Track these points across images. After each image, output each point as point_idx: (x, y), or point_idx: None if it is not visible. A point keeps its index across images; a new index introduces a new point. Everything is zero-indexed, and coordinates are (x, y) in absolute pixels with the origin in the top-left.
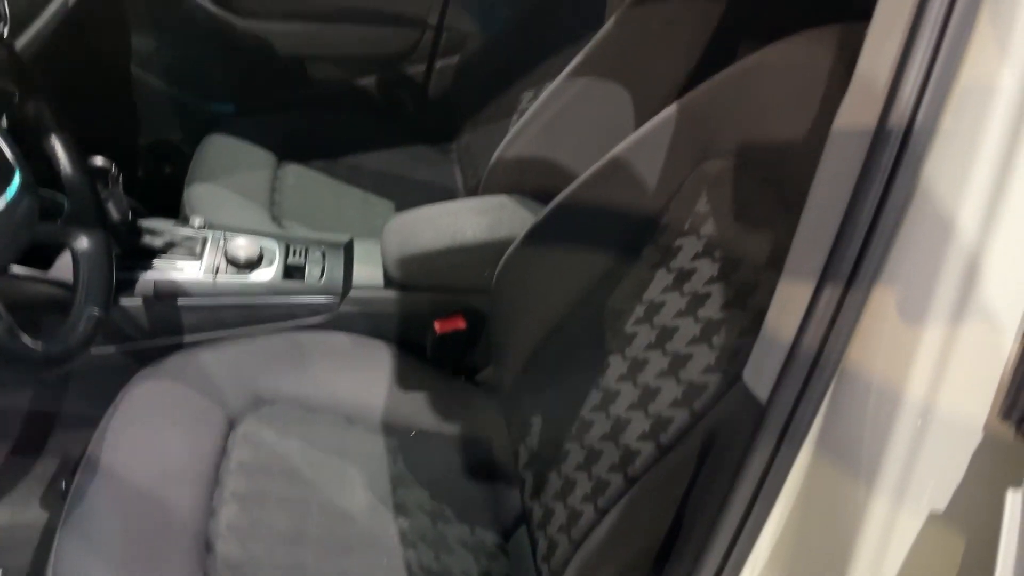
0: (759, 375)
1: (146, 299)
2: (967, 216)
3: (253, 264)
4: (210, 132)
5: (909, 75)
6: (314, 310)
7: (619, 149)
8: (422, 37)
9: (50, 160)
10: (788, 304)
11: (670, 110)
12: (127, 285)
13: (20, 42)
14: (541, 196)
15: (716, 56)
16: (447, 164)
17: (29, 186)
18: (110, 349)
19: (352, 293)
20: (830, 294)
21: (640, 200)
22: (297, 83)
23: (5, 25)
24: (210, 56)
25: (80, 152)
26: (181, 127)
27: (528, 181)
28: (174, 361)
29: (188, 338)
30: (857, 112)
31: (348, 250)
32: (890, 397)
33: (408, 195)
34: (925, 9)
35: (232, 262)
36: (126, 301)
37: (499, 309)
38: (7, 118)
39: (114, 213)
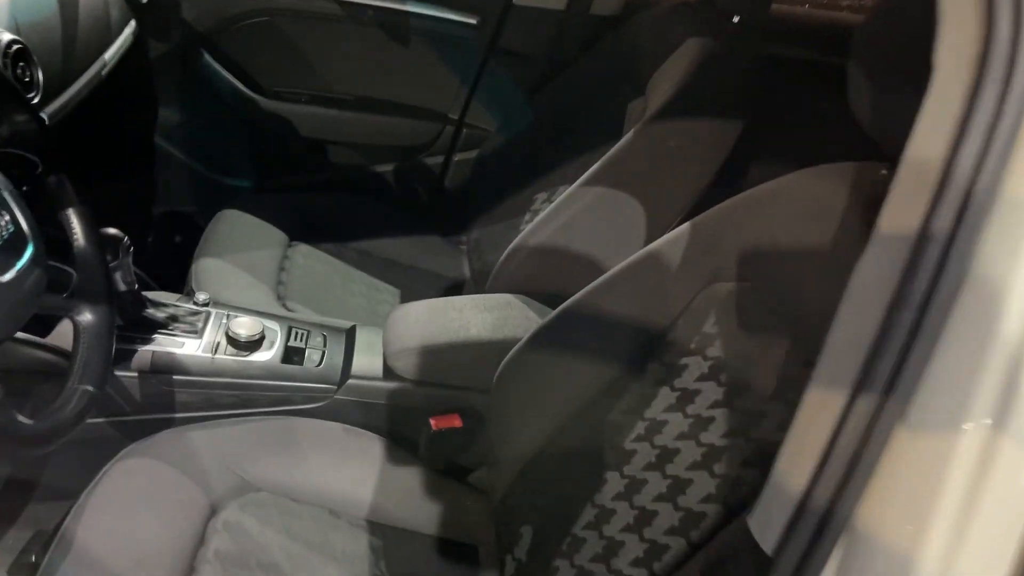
0: (766, 525)
1: (142, 372)
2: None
3: (253, 345)
4: (225, 206)
5: (958, 175)
6: (310, 397)
7: (629, 261)
8: (442, 131)
9: (64, 232)
10: (799, 453)
11: (683, 228)
12: (124, 356)
13: (51, 108)
14: (548, 299)
15: (730, 178)
16: (457, 256)
17: (40, 258)
18: (99, 420)
19: (350, 382)
20: (848, 439)
21: (647, 314)
22: (315, 165)
23: (37, 93)
24: (233, 133)
25: (94, 226)
26: (197, 199)
27: (536, 283)
28: (161, 439)
29: (180, 416)
30: (900, 215)
31: (350, 337)
32: (903, 564)
33: (416, 284)
34: (974, 111)
35: (232, 342)
36: (121, 373)
37: (497, 411)
38: (27, 186)
39: (120, 283)
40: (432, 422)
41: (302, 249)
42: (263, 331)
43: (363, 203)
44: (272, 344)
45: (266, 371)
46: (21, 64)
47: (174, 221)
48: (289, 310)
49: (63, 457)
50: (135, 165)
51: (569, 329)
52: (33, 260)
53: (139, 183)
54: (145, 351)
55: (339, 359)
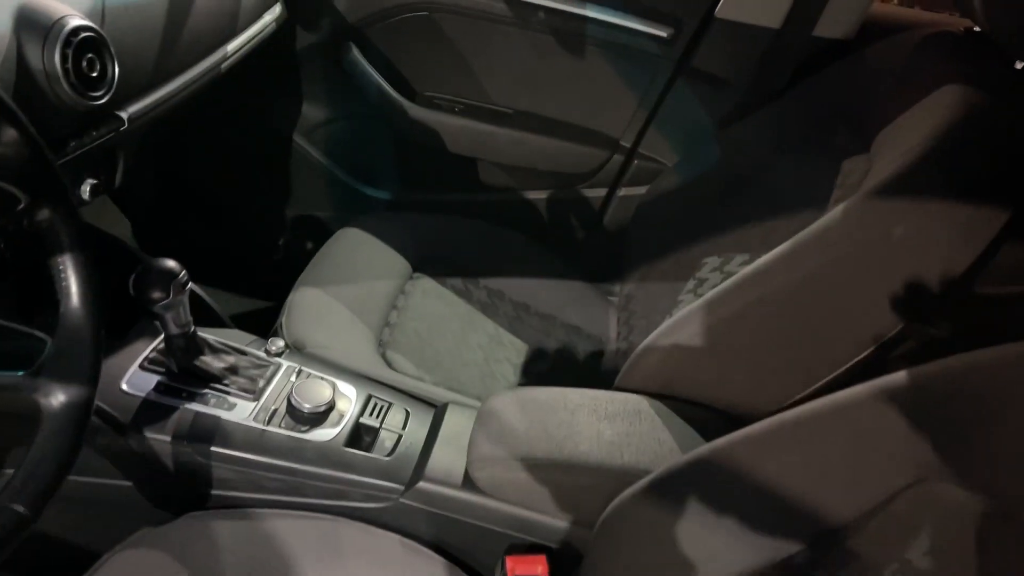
0: None
1: (176, 437)
2: None
3: (317, 418)
4: (359, 216)
5: None
6: (370, 495)
7: (807, 411)
8: (609, 160)
9: (50, 282)
10: None
11: (895, 379)
12: (161, 414)
13: (136, 107)
14: (692, 411)
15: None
16: (603, 309)
17: None
18: (125, 484)
19: (420, 484)
20: None
21: (821, 497)
22: (460, 184)
23: (108, 92)
24: (376, 138)
25: (92, 280)
26: (333, 205)
27: (679, 386)
28: (179, 527)
29: (213, 492)
30: None
31: (437, 420)
32: None
33: (547, 338)
34: None
35: (293, 411)
36: (153, 435)
37: (595, 566)
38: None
39: (172, 326)
40: (509, 563)
41: (424, 284)
42: (332, 400)
43: (505, 234)
44: (340, 418)
45: (324, 456)
46: (89, 56)
47: (308, 226)
48: (387, 361)
49: (81, 515)
50: (270, 163)
51: (705, 485)
52: None
53: (273, 183)
54: (186, 411)
55: (416, 449)
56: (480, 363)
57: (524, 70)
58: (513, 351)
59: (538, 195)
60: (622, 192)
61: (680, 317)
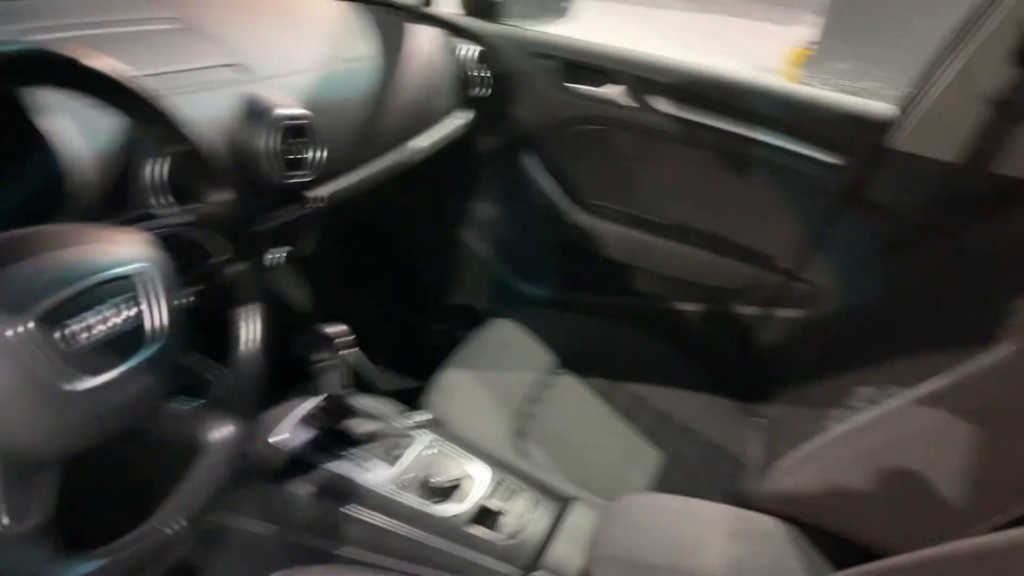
0: None
1: (314, 491)
2: None
3: (446, 492)
4: (514, 311)
5: None
6: (485, 574)
7: (956, 550)
8: (766, 279)
9: (225, 326)
10: None
11: None
12: (305, 468)
13: (332, 188)
14: (828, 542)
15: None
16: (745, 430)
17: (158, 363)
18: (258, 527)
19: (537, 573)
20: None
21: None
22: (613, 289)
23: (308, 172)
24: (538, 238)
25: (264, 331)
26: (489, 298)
27: (815, 510)
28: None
29: (339, 547)
30: None
31: (562, 512)
32: None
33: (685, 450)
34: None
35: (425, 483)
36: (294, 486)
37: None
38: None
39: (328, 387)
40: None
41: (567, 381)
42: (462, 478)
43: (654, 342)
44: (467, 495)
45: (447, 530)
46: (294, 140)
47: (464, 314)
48: (522, 450)
49: (219, 555)
50: (439, 252)
51: None
52: (147, 364)
53: (439, 270)
54: (326, 469)
55: (538, 538)
56: (614, 466)
57: (689, 185)
58: (649, 458)
59: (690, 307)
60: (777, 313)
61: (826, 443)
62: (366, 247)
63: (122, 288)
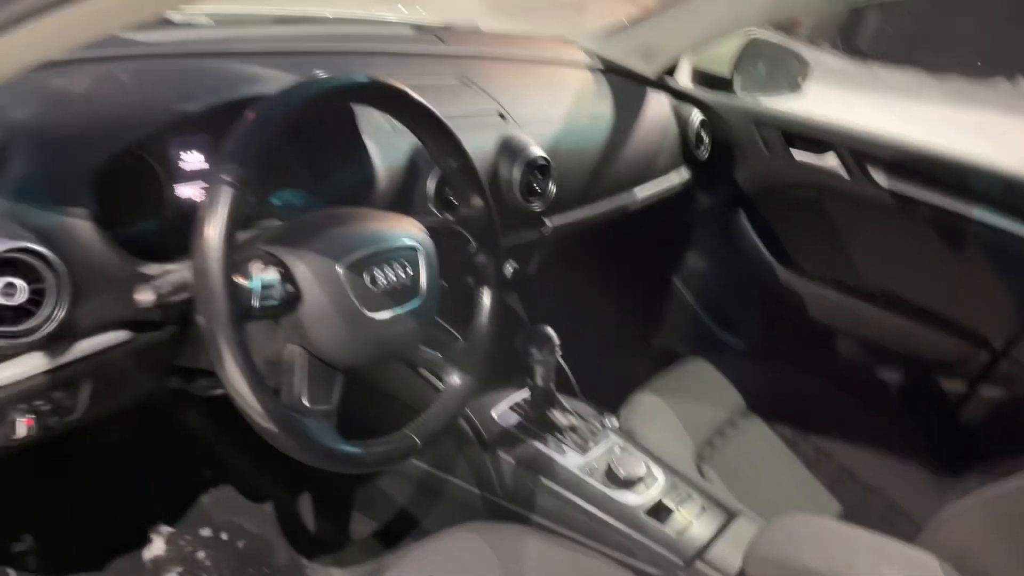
0: None
1: (519, 462)
2: None
3: (627, 483)
4: (711, 358)
5: None
6: (652, 560)
7: None
8: (973, 356)
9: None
10: None
11: None
12: (513, 442)
13: (559, 219)
14: None
15: None
16: (933, 499)
17: (421, 314)
18: (468, 486)
19: (698, 564)
20: None
21: None
22: (813, 347)
23: (542, 203)
24: (744, 292)
25: (498, 309)
26: (689, 343)
27: (981, 560)
28: (504, 529)
29: (532, 514)
30: None
31: (728, 520)
32: None
33: (865, 508)
34: None
35: (610, 473)
36: (504, 454)
37: None
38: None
39: (539, 379)
40: None
41: (754, 424)
42: (644, 475)
43: (846, 399)
44: (645, 490)
45: (625, 515)
46: (536, 175)
47: (661, 353)
48: (702, 475)
49: (420, 493)
50: (648, 293)
51: None
52: (413, 313)
53: (645, 309)
54: (530, 445)
55: (703, 538)
56: (789, 505)
57: (901, 256)
58: (825, 507)
59: (891, 375)
60: (981, 388)
61: (1004, 492)
62: (585, 278)
63: (407, 255)
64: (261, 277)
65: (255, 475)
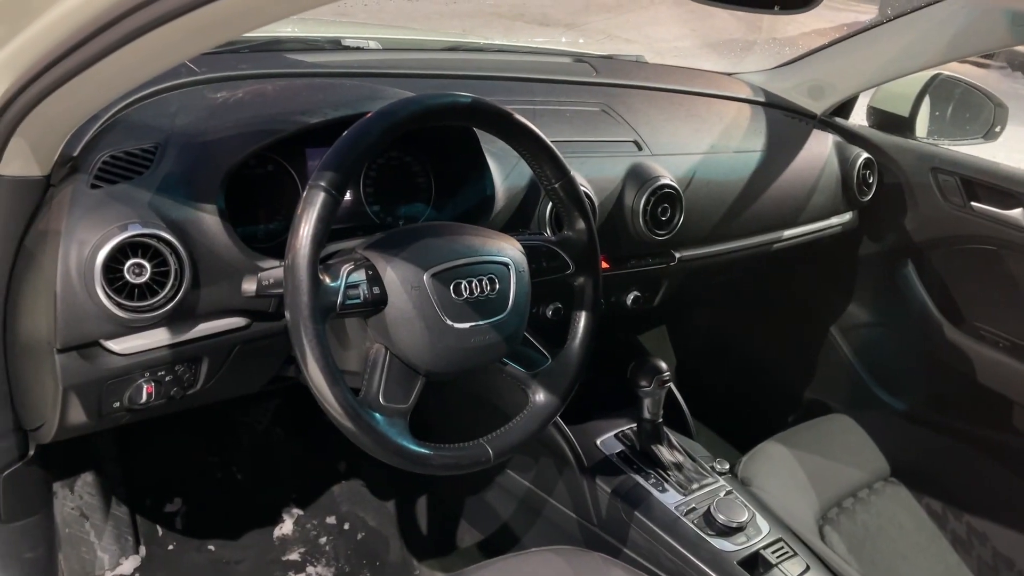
0: None
1: (615, 492)
2: None
3: (724, 531)
4: (862, 410)
5: None
6: None
7: None
8: None
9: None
10: None
11: None
12: (614, 472)
13: (690, 252)
14: None
15: None
16: None
17: (505, 328)
18: (559, 505)
19: None
20: None
21: None
22: (978, 415)
23: (669, 234)
24: (907, 350)
25: (592, 332)
26: (840, 396)
27: None
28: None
29: (622, 547)
30: None
31: None
32: None
33: None
34: None
35: (709, 516)
36: (601, 483)
37: None
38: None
39: (646, 412)
40: None
41: (896, 490)
42: (745, 524)
43: (1008, 477)
44: (744, 539)
45: (718, 562)
46: (666, 206)
47: (807, 404)
48: (821, 536)
49: (508, 505)
50: (799, 341)
51: None
52: (496, 326)
53: (794, 357)
54: (629, 477)
55: None
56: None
57: None
58: None
59: None
60: None
61: None
62: (725, 316)
63: (496, 270)
64: (347, 278)
65: (382, 473)
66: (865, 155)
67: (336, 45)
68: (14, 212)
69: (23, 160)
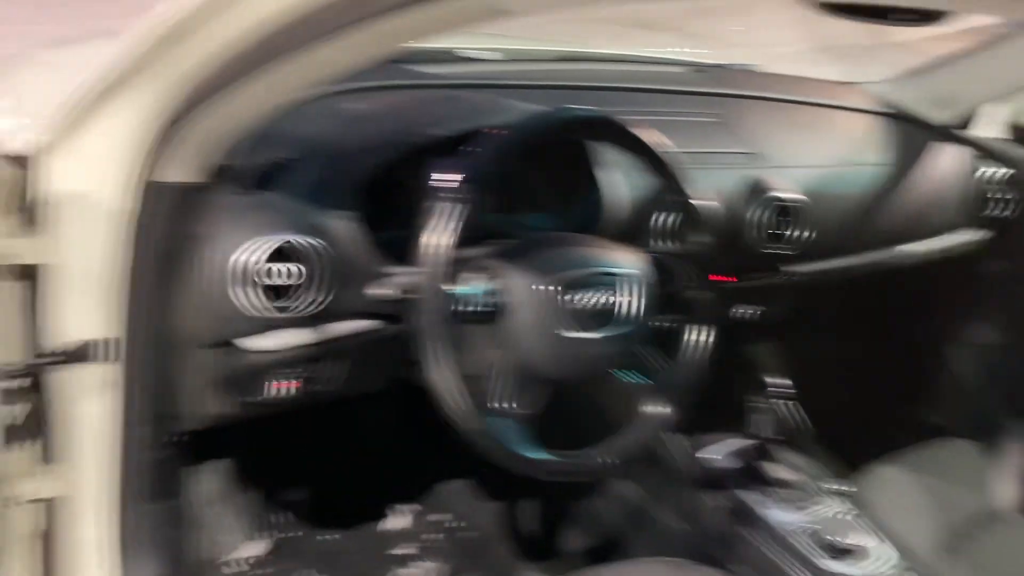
0: None
1: (725, 508)
2: None
3: (838, 553)
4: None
5: None
6: None
7: None
8: None
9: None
10: None
11: None
12: (720, 488)
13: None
14: None
15: None
16: None
17: (624, 340)
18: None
19: None
20: None
21: None
22: None
23: (786, 247)
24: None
25: (705, 346)
26: (959, 422)
27: None
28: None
29: (728, 563)
30: None
31: None
32: None
33: None
34: None
35: (817, 534)
36: (709, 500)
37: None
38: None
39: (759, 426)
40: None
41: None
42: (862, 546)
43: None
44: (859, 563)
45: None
46: (782, 218)
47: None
48: (945, 566)
49: (625, 520)
50: (911, 359)
51: None
52: (610, 337)
53: (907, 381)
54: (739, 492)
55: None
56: None
57: None
58: None
59: None
60: None
61: None
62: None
63: (615, 281)
64: (472, 286)
65: (496, 476)
66: (1003, 170)
67: (451, 56)
68: (170, 217)
69: (185, 168)
